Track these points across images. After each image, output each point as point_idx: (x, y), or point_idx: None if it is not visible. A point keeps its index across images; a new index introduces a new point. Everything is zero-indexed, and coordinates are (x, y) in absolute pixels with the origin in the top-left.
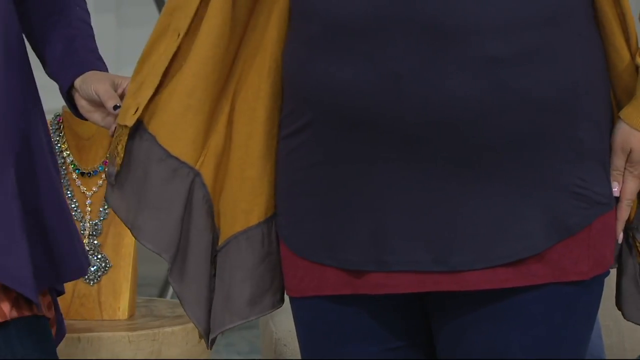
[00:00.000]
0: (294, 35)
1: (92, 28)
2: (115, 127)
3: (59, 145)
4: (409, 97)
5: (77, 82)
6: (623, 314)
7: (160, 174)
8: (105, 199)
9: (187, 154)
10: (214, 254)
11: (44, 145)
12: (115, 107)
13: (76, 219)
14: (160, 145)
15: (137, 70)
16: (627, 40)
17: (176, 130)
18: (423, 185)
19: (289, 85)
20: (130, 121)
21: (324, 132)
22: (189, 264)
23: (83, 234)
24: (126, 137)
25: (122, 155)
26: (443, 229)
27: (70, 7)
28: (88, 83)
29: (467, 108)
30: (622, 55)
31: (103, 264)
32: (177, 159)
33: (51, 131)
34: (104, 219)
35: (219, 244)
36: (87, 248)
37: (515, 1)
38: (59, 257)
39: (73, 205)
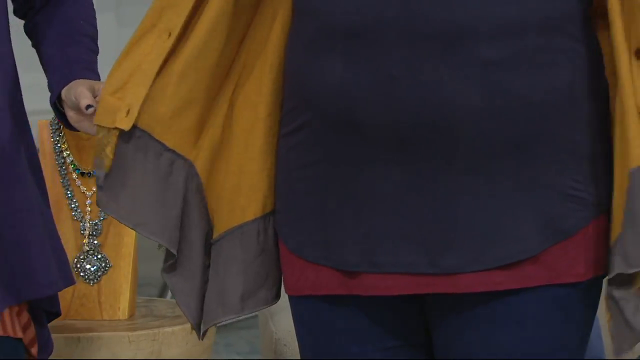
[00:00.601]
0: (295, 35)
1: (96, 44)
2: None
3: (59, 145)
4: (404, 100)
5: (63, 92)
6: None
7: (160, 169)
8: (98, 201)
9: (182, 146)
10: (208, 245)
11: (21, 157)
12: (88, 107)
13: (76, 219)
14: (156, 140)
15: (116, 68)
16: None
17: (173, 124)
18: (419, 187)
19: (289, 84)
20: (125, 124)
21: (322, 131)
22: (183, 254)
23: (83, 234)
24: (116, 139)
25: (111, 157)
26: (439, 230)
27: (74, 21)
28: (70, 90)
29: (463, 110)
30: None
31: (103, 264)
32: (173, 151)
33: (51, 131)
34: (104, 219)
35: (214, 236)
36: (87, 248)
37: (511, 5)
38: (29, 272)
39: (73, 205)
